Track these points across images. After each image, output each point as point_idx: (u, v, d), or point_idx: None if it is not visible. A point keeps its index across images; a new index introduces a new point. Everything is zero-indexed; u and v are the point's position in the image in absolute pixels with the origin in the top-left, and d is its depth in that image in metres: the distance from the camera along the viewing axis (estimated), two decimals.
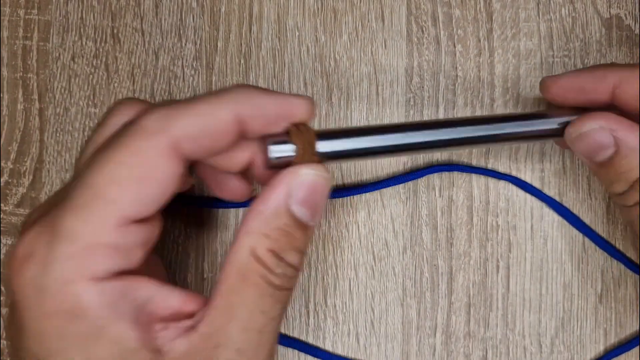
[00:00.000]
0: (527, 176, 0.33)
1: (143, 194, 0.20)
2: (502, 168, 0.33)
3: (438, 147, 0.26)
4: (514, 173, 0.33)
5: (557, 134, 0.27)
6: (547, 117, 0.27)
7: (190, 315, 0.21)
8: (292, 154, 0.23)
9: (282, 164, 0.23)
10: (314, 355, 0.32)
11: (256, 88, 0.22)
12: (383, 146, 0.25)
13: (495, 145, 0.27)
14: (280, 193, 0.21)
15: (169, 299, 0.21)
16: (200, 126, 0.21)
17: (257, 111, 0.22)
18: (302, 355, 0.33)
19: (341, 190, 0.32)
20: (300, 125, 0.23)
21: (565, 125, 0.27)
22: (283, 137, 0.23)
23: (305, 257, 0.23)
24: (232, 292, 0.21)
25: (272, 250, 0.21)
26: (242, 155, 0.23)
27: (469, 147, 0.28)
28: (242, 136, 0.22)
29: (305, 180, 0.22)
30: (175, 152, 0.20)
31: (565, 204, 0.33)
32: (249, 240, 0.21)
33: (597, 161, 0.25)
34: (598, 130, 0.25)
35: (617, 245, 0.33)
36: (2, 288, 0.33)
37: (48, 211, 0.21)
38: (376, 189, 0.32)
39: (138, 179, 0.20)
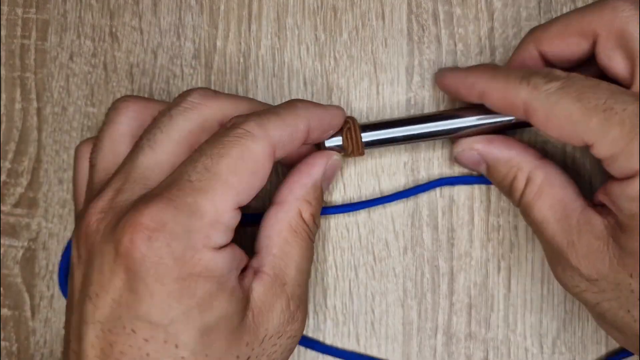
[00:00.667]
0: None
1: (252, 185, 0.24)
2: None
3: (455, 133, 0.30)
4: None
5: None
6: None
7: (246, 266, 0.26)
8: (340, 143, 0.30)
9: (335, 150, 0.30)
10: (313, 349, 0.32)
11: (313, 103, 0.28)
12: (419, 133, 0.30)
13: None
14: (319, 171, 0.28)
15: (244, 256, 0.26)
16: (288, 134, 0.25)
17: (318, 123, 0.27)
18: (301, 348, 0.33)
19: (346, 206, 0.32)
20: (349, 119, 0.30)
21: None
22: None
23: None
24: (287, 242, 0.27)
25: (313, 214, 0.28)
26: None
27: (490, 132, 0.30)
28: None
29: (334, 162, 0.29)
30: (273, 154, 0.25)
31: None
32: (298, 203, 0.27)
33: (484, 174, 0.30)
34: (464, 154, 0.30)
35: None
36: (1, 289, 0.33)
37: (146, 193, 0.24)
38: (380, 204, 0.32)
39: (251, 172, 0.24)
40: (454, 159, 0.30)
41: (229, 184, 0.24)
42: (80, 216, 0.25)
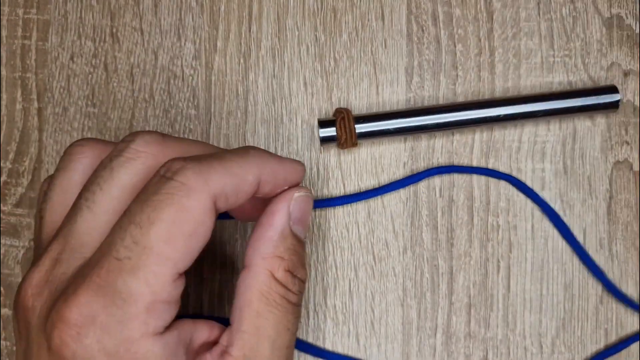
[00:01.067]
0: (527, 176, 0.33)
1: (191, 248, 0.21)
2: (502, 168, 0.33)
3: (454, 127, 0.32)
4: (514, 173, 0.33)
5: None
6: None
7: (214, 342, 0.23)
8: (334, 133, 0.31)
9: (329, 140, 0.31)
10: (314, 354, 0.32)
11: (268, 153, 0.25)
12: (410, 127, 0.32)
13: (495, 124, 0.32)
14: (283, 217, 0.24)
15: (201, 331, 0.23)
16: (233, 185, 0.22)
17: (271, 176, 0.24)
18: (302, 355, 0.33)
19: (343, 198, 0.32)
20: (343, 110, 0.31)
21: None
22: (329, 120, 0.31)
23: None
24: (258, 315, 0.23)
25: (288, 270, 0.24)
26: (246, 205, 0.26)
27: (472, 126, 0.32)
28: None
29: (299, 201, 0.25)
30: (213, 208, 0.22)
31: (566, 204, 0.33)
32: (265, 264, 0.23)
33: None
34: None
35: (618, 246, 0.33)
36: (2, 289, 0.33)
37: (67, 273, 0.22)
38: (377, 195, 0.32)
39: (188, 236, 0.21)
40: None
41: (164, 256, 0.20)
42: (19, 286, 0.23)
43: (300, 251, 0.24)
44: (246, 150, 0.24)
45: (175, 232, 0.21)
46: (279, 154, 0.33)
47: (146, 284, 0.20)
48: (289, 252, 0.24)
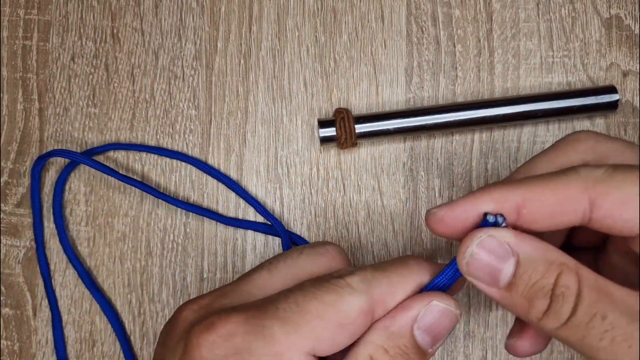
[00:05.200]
0: None
1: (336, 338, 0.23)
2: (502, 168, 0.33)
3: (454, 127, 0.32)
4: None
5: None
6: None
7: None
8: (334, 133, 0.31)
9: (329, 140, 0.32)
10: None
11: (425, 260, 0.25)
12: (409, 127, 0.32)
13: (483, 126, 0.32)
14: (409, 316, 0.23)
15: None
16: (392, 294, 0.23)
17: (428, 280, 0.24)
18: None
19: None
20: (343, 110, 0.31)
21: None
22: (329, 120, 0.32)
23: None
24: None
25: None
26: None
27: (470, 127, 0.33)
28: None
29: (434, 309, 0.24)
30: (370, 312, 0.23)
31: None
32: (368, 349, 0.23)
33: (502, 284, 0.22)
34: (490, 241, 0.22)
35: None
36: (2, 288, 0.33)
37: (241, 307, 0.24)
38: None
39: (337, 324, 0.22)
40: (466, 264, 0.23)
41: (311, 326, 0.22)
42: (182, 304, 0.26)
43: (412, 357, 0.23)
44: (406, 260, 0.25)
45: (329, 315, 0.22)
46: (278, 154, 0.33)
47: (287, 335, 0.22)
48: (397, 351, 0.23)
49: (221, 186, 0.33)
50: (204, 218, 0.33)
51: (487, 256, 0.22)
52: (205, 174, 0.33)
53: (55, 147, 0.34)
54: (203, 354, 0.22)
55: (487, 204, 0.23)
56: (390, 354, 0.23)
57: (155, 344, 0.27)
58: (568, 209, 0.22)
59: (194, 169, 0.33)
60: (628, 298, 0.21)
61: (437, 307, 0.23)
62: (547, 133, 0.33)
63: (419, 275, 0.24)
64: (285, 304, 0.23)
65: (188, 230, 0.33)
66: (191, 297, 0.32)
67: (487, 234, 0.22)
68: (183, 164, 0.33)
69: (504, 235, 0.22)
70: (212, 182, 0.33)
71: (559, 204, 0.22)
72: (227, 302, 0.25)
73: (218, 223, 0.33)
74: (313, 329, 0.22)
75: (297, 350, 0.22)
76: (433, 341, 0.24)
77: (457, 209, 0.23)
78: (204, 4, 0.34)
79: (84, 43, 0.34)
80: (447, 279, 0.24)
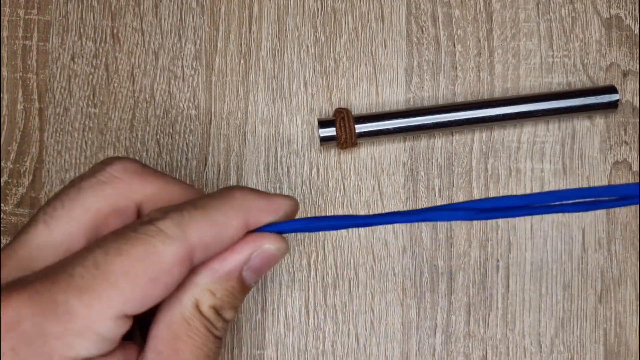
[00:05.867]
0: (526, 176, 0.33)
1: (149, 294, 0.20)
2: (502, 168, 0.33)
3: (455, 126, 0.32)
4: (513, 173, 0.33)
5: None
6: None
7: None
8: (334, 133, 0.31)
9: (329, 140, 0.32)
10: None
11: (255, 192, 0.23)
12: (408, 126, 0.32)
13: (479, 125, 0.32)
14: (239, 259, 0.22)
15: None
16: (215, 235, 0.21)
17: (259, 216, 0.23)
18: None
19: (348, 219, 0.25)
20: (343, 110, 0.31)
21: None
22: (329, 120, 0.32)
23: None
24: (178, 338, 0.21)
25: (214, 307, 0.22)
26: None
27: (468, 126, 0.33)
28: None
29: (265, 252, 0.23)
30: (188, 259, 0.21)
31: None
32: (194, 292, 0.22)
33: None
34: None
35: (617, 246, 0.33)
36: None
37: (40, 279, 0.20)
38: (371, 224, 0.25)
39: (149, 280, 0.20)
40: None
41: (118, 289, 0.20)
42: None
43: (238, 295, 0.23)
44: (230, 194, 0.23)
45: (139, 271, 0.20)
46: (278, 154, 0.33)
47: (87, 307, 0.19)
48: (224, 293, 0.22)
49: (221, 186, 0.33)
50: None
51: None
52: (205, 174, 0.33)
53: (56, 148, 0.34)
54: None
55: None
56: (217, 296, 0.22)
57: None
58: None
59: (194, 169, 0.33)
60: None
61: (268, 251, 0.23)
62: (547, 133, 0.33)
63: (246, 211, 0.22)
64: (82, 268, 0.20)
65: None
66: None
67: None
68: (183, 163, 0.33)
69: None
70: (212, 182, 0.33)
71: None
72: (5, 276, 0.21)
73: None
74: (120, 291, 0.20)
75: (103, 320, 0.20)
76: (256, 277, 0.23)
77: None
78: (204, 4, 0.34)
79: (84, 43, 0.34)
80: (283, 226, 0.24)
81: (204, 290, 0.22)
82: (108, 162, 0.23)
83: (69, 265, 0.20)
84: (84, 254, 0.20)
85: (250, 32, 0.34)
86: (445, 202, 0.33)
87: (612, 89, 0.32)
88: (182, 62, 0.34)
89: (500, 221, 0.33)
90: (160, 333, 0.22)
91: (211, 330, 0.22)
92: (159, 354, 0.21)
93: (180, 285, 0.22)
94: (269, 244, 0.23)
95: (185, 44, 0.34)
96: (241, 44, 0.34)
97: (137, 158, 0.33)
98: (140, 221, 0.21)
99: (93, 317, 0.19)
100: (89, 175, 0.22)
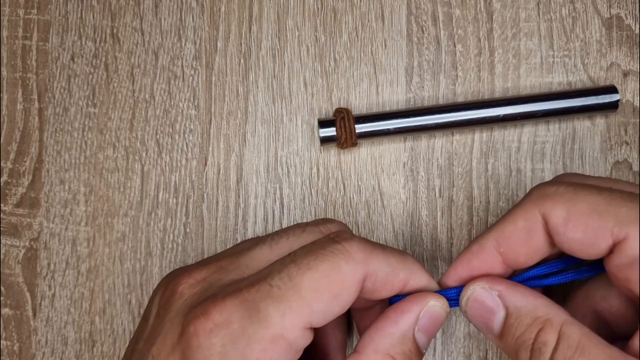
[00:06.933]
0: (527, 176, 0.33)
1: (330, 308, 0.22)
2: (502, 168, 0.33)
3: (452, 127, 0.32)
4: (514, 173, 0.33)
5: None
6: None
7: None
8: (334, 133, 0.31)
9: (329, 140, 0.31)
10: None
11: (421, 265, 0.25)
12: (408, 127, 0.32)
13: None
14: (411, 319, 0.24)
15: None
16: (386, 274, 0.24)
17: (417, 284, 0.25)
18: None
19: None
20: (343, 110, 0.31)
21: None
22: (329, 120, 0.32)
23: None
24: None
25: None
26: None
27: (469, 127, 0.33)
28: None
29: (431, 310, 0.24)
30: (361, 282, 0.23)
31: None
32: (377, 358, 0.23)
33: (495, 332, 0.24)
34: (482, 292, 0.24)
35: None
36: (2, 288, 0.33)
37: (227, 282, 0.24)
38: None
39: (332, 295, 0.22)
40: (464, 307, 0.25)
41: (306, 300, 0.22)
42: (177, 271, 0.26)
43: (414, 358, 0.24)
44: (405, 254, 0.25)
45: (324, 286, 0.22)
46: (279, 154, 0.33)
47: (282, 316, 0.22)
48: (403, 356, 0.23)
49: (221, 186, 0.33)
50: (204, 218, 0.33)
51: (479, 307, 0.24)
52: (204, 174, 0.33)
53: (55, 147, 0.34)
54: (201, 342, 0.22)
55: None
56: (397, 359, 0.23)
57: (147, 305, 0.27)
58: (531, 231, 0.23)
59: (194, 169, 0.33)
60: (603, 356, 0.21)
61: (434, 308, 0.24)
62: (548, 133, 0.33)
63: (411, 271, 0.24)
64: (278, 279, 0.22)
65: (188, 230, 0.33)
66: None
67: (480, 285, 0.24)
68: (183, 163, 0.33)
69: (496, 287, 0.24)
70: (212, 182, 0.33)
71: (521, 229, 0.24)
72: (224, 276, 0.24)
73: (218, 223, 0.33)
74: (308, 303, 0.22)
75: (293, 329, 0.22)
76: (428, 341, 0.24)
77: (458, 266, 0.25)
78: (204, 3, 0.34)
79: (83, 43, 0.34)
80: (450, 295, 0.25)
81: (385, 355, 0.23)
82: (330, 221, 0.26)
83: (269, 276, 0.23)
84: (281, 267, 0.23)
85: (250, 31, 0.34)
86: (445, 203, 0.33)
87: (612, 89, 0.32)
88: (182, 62, 0.34)
89: None
90: None
91: None
92: None
93: (362, 354, 0.23)
94: (433, 301, 0.24)
95: (185, 44, 0.34)
96: (241, 44, 0.34)
97: (136, 158, 0.33)
98: (329, 237, 0.24)
99: (286, 326, 0.22)
100: (314, 224, 0.26)
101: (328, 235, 0.24)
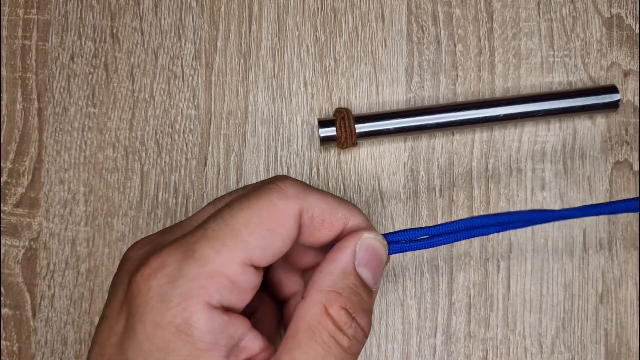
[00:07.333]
0: (527, 176, 0.33)
1: (268, 244, 0.23)
2: (502, 168, 0.33)
3: (453, 127, 0.32)
4: (514, 174, 0.33)
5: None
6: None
7: (254, 357, 0.23)
8: (334, 133, 0.31)
9: (329, 140, 0.31)
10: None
11: (365, 217, 0.26)
12: (410, 126, 0.32)
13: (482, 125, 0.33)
14: (347, 253, 0.24)
15: (254, 342, 0.23)
16: (323, 210, 0.24)
17: (356, 226, 0.25)
18: None
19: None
20: (343, 110, 0.31)
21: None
22: (329, 120, 0.32)
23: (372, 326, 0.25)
24: (299, 346, 0.22)
25: (345, 308, 0.23)
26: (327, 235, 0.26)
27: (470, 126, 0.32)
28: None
29: (366, 242, 0.24)
30: (298, 215, 0.23)
31: (566, 204, 0.33)
32: (321, 297, 0.23)
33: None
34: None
35: (617, 246, 0.33)
36: (2, 289, 0.33)
37: (168, 237, 0.25)
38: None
39: (268, 229, 0.23)
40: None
41: (241, 237, 0.22)
42: (135, 243, 0.26)
43: (363, 294, 0.24)
44: (345, 200, 0.26)
45: (257, 221, 0.23)
46: (279, 154, 0.33)
47: (217, 253, 0.22)
48: (349, 291, 0.23)
49: (221, 186, 0.33)
50: None
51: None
52: (204, 174, 0.33)
53: (55, 147, 0.33)
54: (140, 288, 0.22)
55: None
56: (344, 295, 0.23)
57: None
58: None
59: (193, 169, 0.33)
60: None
61: (369, 240, 0.25)
62: (548, 133, 0.33)
63: (351, 212, 0.25)
64: (213, 222, 0.23)
65: None
66: None
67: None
68: (183, 163, 0.33)
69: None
70: (212, 182, 0.33)
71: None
72: (169, 237, 0.25)
73: None
74: (243, 239, 0.22)
75: (231, 264, 0.22)
76: (373, 277, 0.25)
77: None
78: (204, 3, 0.34)
79: (83, 43, 0.34)
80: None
81: (330, 292, 0.23)
82: (282, 178, 0.25)
83: (204, 222, 0.23)
84: (217, 212, 0.24)
85: (250, 31, 0.34)
86: (445, 203, 0.33)
87: (613, 89, 0.32)
88: (182, 62, 0.34)
89: None
90: (287, 341, 0.23)
91: (338, 338, 0.22)
92: None
93: (305, 300, 0.23)
94: (367, 234, 0.25)
95: (184, 44, 0.34)
96: (241, 44, 0.34)
97: (136, 158, 0.33)
98: (264, 180, 0.25)
99: (222, 262, 0.22)
100: (259, 183, 0.25)
101: (268, 179, 0.25)
